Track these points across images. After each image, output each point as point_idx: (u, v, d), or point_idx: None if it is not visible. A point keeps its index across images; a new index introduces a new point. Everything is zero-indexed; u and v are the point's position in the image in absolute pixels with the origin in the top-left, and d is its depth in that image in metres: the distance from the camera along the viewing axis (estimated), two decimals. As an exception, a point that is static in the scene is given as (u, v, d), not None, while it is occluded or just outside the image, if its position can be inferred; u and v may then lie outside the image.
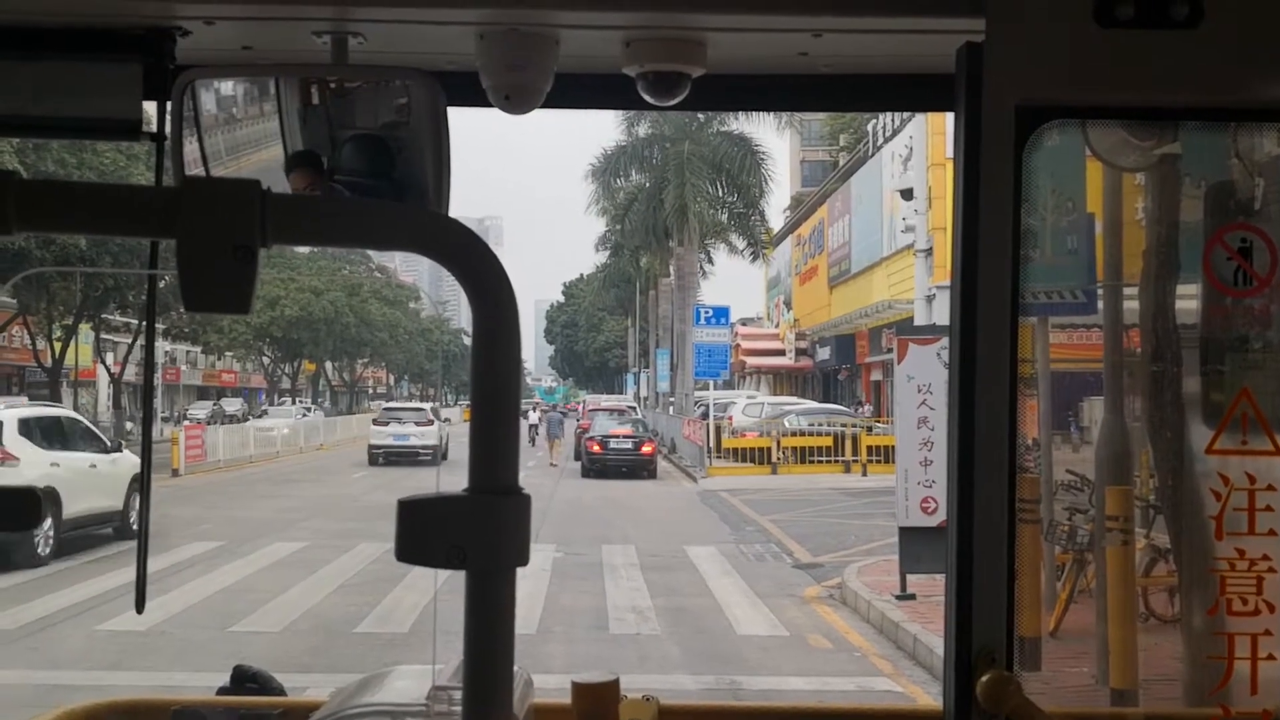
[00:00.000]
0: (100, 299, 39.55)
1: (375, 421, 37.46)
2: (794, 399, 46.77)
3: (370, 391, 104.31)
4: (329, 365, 79.90)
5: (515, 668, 1.13)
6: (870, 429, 34.57)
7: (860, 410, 41.98)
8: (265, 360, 71.08)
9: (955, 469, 1.65)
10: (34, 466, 15.94)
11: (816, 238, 52.28)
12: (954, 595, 1.66)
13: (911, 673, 10.01)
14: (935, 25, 1.70)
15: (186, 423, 43.41)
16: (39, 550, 15.37)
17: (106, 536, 17.24)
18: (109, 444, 18.72)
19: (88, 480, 16.96)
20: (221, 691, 2.24)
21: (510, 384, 1.04)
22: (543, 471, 33.21)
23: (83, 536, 16.53)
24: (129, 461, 18.14)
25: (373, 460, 34.64)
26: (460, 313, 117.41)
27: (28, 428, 16.93)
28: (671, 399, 49.79)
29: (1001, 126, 1.61)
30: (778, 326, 64.19)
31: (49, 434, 17.41)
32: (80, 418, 20.16)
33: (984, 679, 1.58)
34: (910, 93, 2.08)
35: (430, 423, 35.87)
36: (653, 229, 47.09)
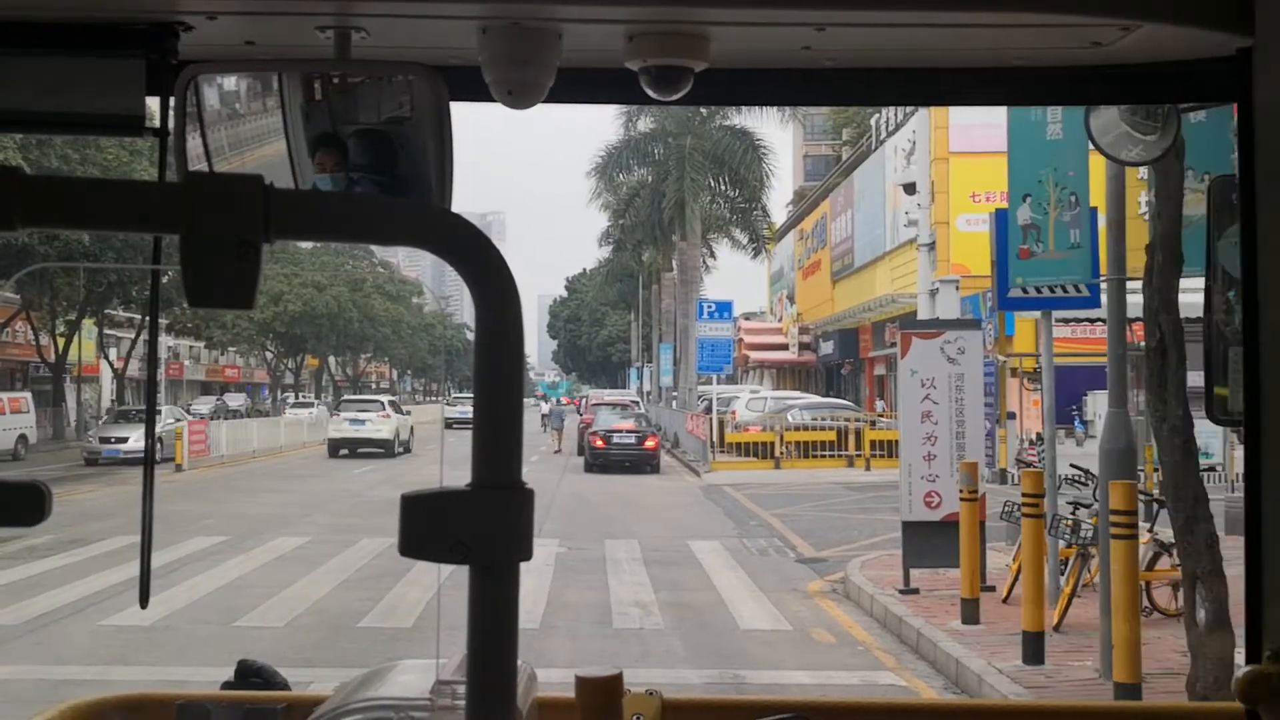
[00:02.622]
0: (103, 294, 39.60)
1: (446, 404, 56.92)
2: (797, 393, 46.77)
3: (373, 387, 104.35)
4: (332, 360, 79.92)
5: (519, 662, 1.13)
6: (874, 423, 34.57)
7: (877, 405, 41.99)
8: (268, 355, 71.09)
9: (1247, 465, 1.62)
10: (394, 419, 38.01)
11: (819, 232, 52.24)
12: (1247, 595, 1.62)
13: (915, 666, 10.01)
14: (939, 19, 1.70)
15: (190, 418, 43.80)
16: (396, 450, 36.94)
17: (399, 451, 37.48)
18: (404, 411, 40.92)
19: (404, 425, 38.94)
20: (226, 686, 2.24)
21: (513, 379, 1.04)
22: (547, 462, 33.84)
23: (403, 450, 37.96)
24: (410, 419, 40.59)
25: (447, 426, 54.23)
26: (463, 307, 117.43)
27: (389, 404, 39.97)
28: (674, 394, 49.80)
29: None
30: (781, 321, 64.15)
31: (392, 406, 39.77)
32: (398, 399, 48.65)
33: (1238, 675, 1.54)
34: (912, 87, 2.07)
35: None
36: (655, 224, 47.08)
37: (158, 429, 34.07)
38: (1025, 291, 11.13)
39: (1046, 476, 10.96)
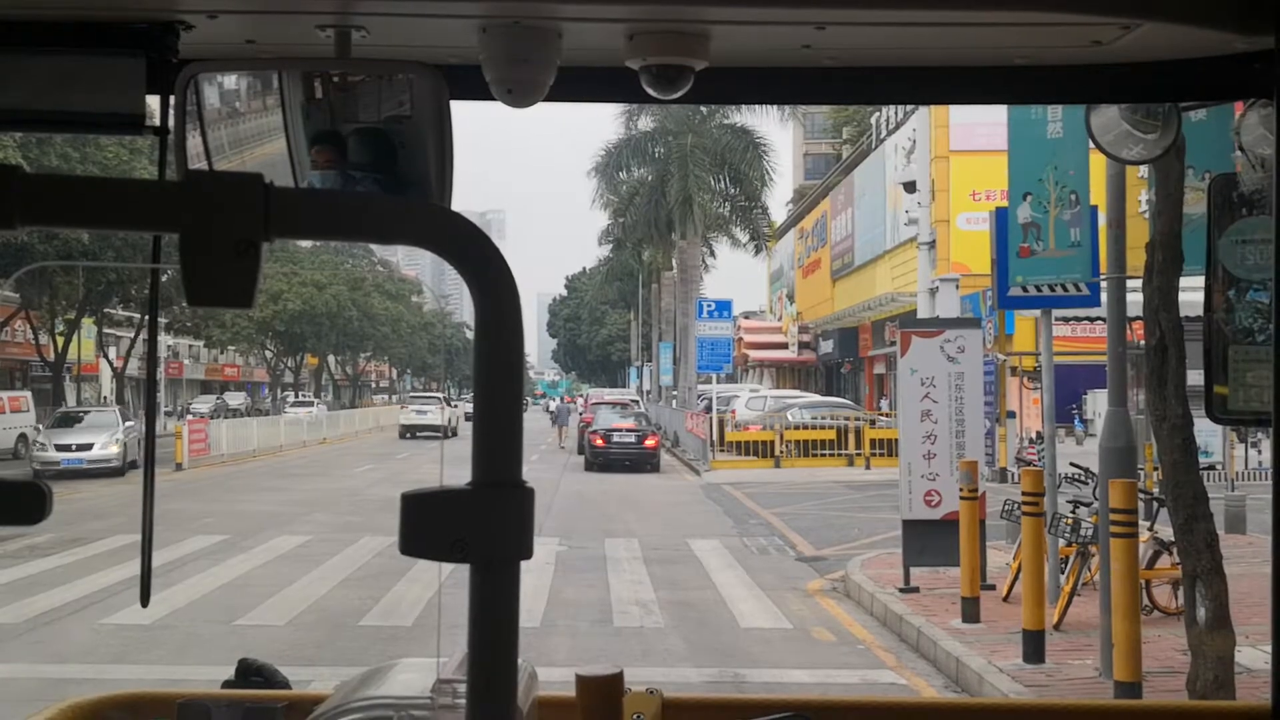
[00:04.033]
0: (103, 293, 39.58)
1: (462, 400, 65.86)
2: (797, 392, 46.77)
3: (373, 385, 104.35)
4: (331, 359, 79.90)
5: (519, 661, 1.13)
6: (873, 422, 34.58)
7: (881, 404, 41.99)
8: (268, 354, 71.07)
9: (1276, 466, 1.62)
10: (447, 410, 45.83)
11: (819, 231, 52.24)
12: (1274, 597, 1.62)
13: (915, 665, 10.01)
14: (939, 18, 1.70)
15: (190, 417, 43.96)
16: (449, 434, 42.87)
17: (450, 435, 43.02)
18: (454, 404, 52.13)
19: (453, 415, 47.25)
20: (226, 685, 2.24)
21: (513, 378, 1.04)
22: (549, 459, 33.98)
23: (452, 434, 43.26)
24: (458, 410, 49.80)
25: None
26: (463, 306, 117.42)
27: (443, 399, 49.99)
28: (674, 393, 49.82)
29: None
30: (780, 320, 64.16)
31: (445, 402, 49.06)
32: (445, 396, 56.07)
33: None
34: (912, 86, 2.07)
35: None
36: (655, 222, 47.03)
37: (117, 435, 32.35)
38: (1025, 290, 11.13)
39: (1046, 475, 10.95)
